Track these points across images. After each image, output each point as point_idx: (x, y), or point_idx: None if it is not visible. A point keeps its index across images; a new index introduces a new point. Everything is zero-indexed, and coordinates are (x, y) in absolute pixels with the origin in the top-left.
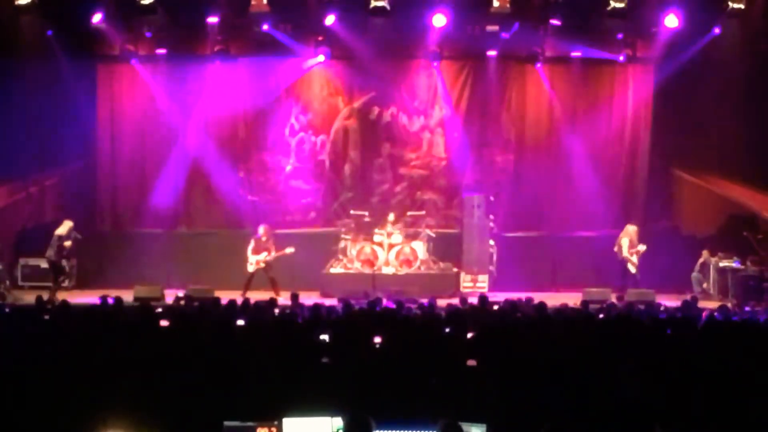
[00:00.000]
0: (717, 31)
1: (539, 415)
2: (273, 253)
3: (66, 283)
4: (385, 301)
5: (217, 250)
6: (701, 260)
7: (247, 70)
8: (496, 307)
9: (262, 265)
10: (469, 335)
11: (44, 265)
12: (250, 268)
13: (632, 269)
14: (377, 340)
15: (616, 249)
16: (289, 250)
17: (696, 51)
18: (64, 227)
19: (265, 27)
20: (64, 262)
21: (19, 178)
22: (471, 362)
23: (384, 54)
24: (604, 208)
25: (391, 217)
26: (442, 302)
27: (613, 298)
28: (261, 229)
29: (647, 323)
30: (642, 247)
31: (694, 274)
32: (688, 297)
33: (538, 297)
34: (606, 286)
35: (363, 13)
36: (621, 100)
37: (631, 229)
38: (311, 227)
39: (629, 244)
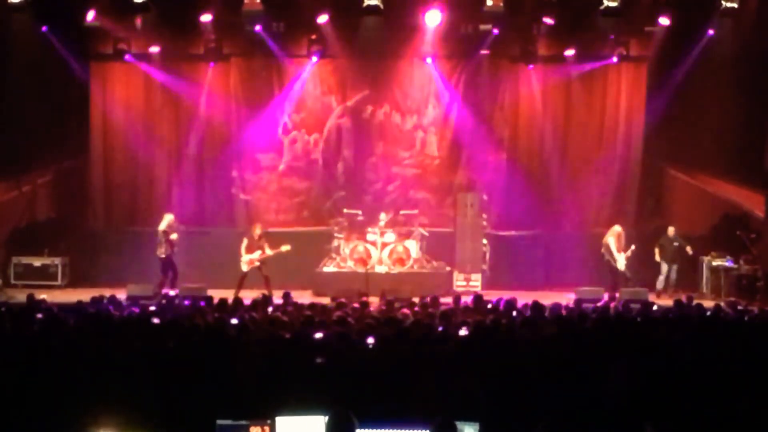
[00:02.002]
0: (711, 32)
1: (531, 414)
2: (267, 251)
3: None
4: (377, 301)
5: (210, 248)
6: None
7: (240, 69)
8: (490, 305)
9: (257, 263)
10: (462, 332)
11: (37, 263)
12: (244, 267)
13: (621, 267)
14: (370, 340)
15: (603, 250)
16: (285, 247)
17: (689, 50)
18: (165, 222)
19: (257, 28)
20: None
21: (11, 176)
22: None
23: (377, 53)
24: (597, 207)
25: (383, 215)
26: None
27: (606, 298)
28: (255, 228)
29: (640, 322)
30: (632, 248)
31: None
32: (682, 296)
33: (531, 296)
34: (599, 285)
35: (356, 12)
36: (614, 99)
37: (617, 230)
38: (304, 226)
39: (616, 244)
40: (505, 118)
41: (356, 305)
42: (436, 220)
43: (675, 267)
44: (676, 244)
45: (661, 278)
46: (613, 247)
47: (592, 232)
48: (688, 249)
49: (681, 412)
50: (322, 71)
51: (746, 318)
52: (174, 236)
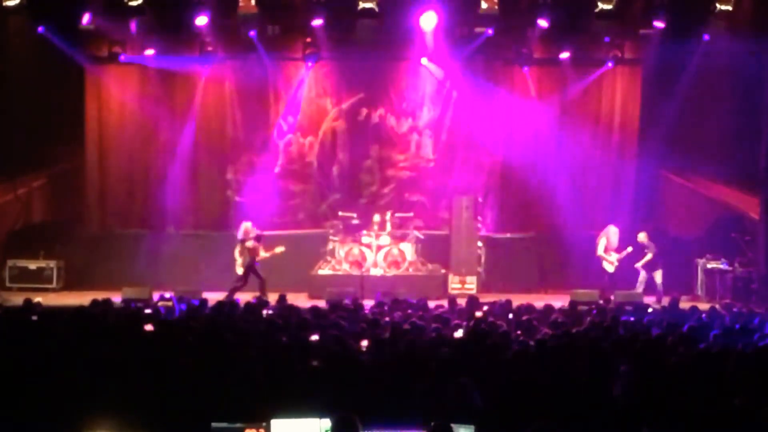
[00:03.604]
0: (706, 37)
1: (528, 416)
2: (262, 254)
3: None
4: (372, 303)
5: (205, 251)
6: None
7: (235, 71)
8: (486, 308)
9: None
10: (458, 334)
11: (32, 266)
12: (239, 271)
13: (609, 268)
14: (364, 343)
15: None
16: (279, 249)
17: (683, 53)
18: (241, 230)
19: (252, 33)
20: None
21: (6, 179)
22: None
23: (372, 55)
24: (592, 210)
25: (377, 217)
26: (430, 304)
27: (601, 301)
28: (251, 232)
29: (634, 324)
30: (628, 249)
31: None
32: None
33: (526, 299)
34: (594, 287)
35: (351, 15)
36: (609, 101)
37: (612, 230)
38: (299, 229)
39: (606, 244)
40: (499, 121)
41: (351, 308)
42: (431, 223)
43: (658, 273)
44: (647, 251)
45: (638, 283)
46: (600, 248)
47: (588, 235)
48: (646, 258)
49: (677, 415)
50: (317, 74)
51: (740, 321)
52: (249, 243)
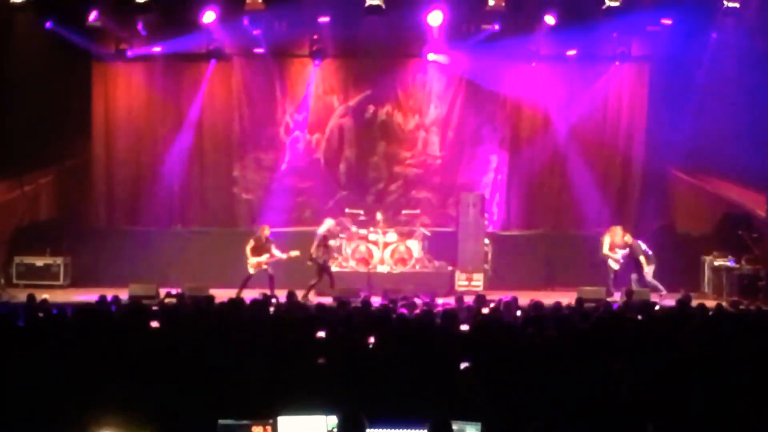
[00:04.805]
0: (714, 35)
1: (534, 414)
2: (276, 253)
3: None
4: (380, 300)
5: (212, 248)
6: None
7: (242, 68)
8: (492, 305)
9: (265, 266)
10: (464, 327)
11: (39, 263)
12: (251, 270)
13: (614, 266)
14: (371, 340)
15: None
16: (294, 253)
17: (691, 50)
18: (325, 226)
19: (258, 31)
20: (330, 262)
21: (14, 176)
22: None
23: (379, 52)
24: (599, 207)
25: (379, 215)
26: (437, 301)
27: (610, 298)
28: (264, 230)
29: (641, 321)
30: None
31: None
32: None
33: (533, 296)
34: (600, 285)
35: (358, 12)
36: (616, 98)
37: (617, 230)
38: (306, 226)
39: (610, 243)
40: (507, 117)
41: (358, 305)
42: (438, 220)
43: (649, 270)
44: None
45: (632, 282)
46: (605, 247)
47: (594, 232)
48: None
49: (683, 413)
50: (324, 71)
51: (747, 318)
52: (334, 242)
